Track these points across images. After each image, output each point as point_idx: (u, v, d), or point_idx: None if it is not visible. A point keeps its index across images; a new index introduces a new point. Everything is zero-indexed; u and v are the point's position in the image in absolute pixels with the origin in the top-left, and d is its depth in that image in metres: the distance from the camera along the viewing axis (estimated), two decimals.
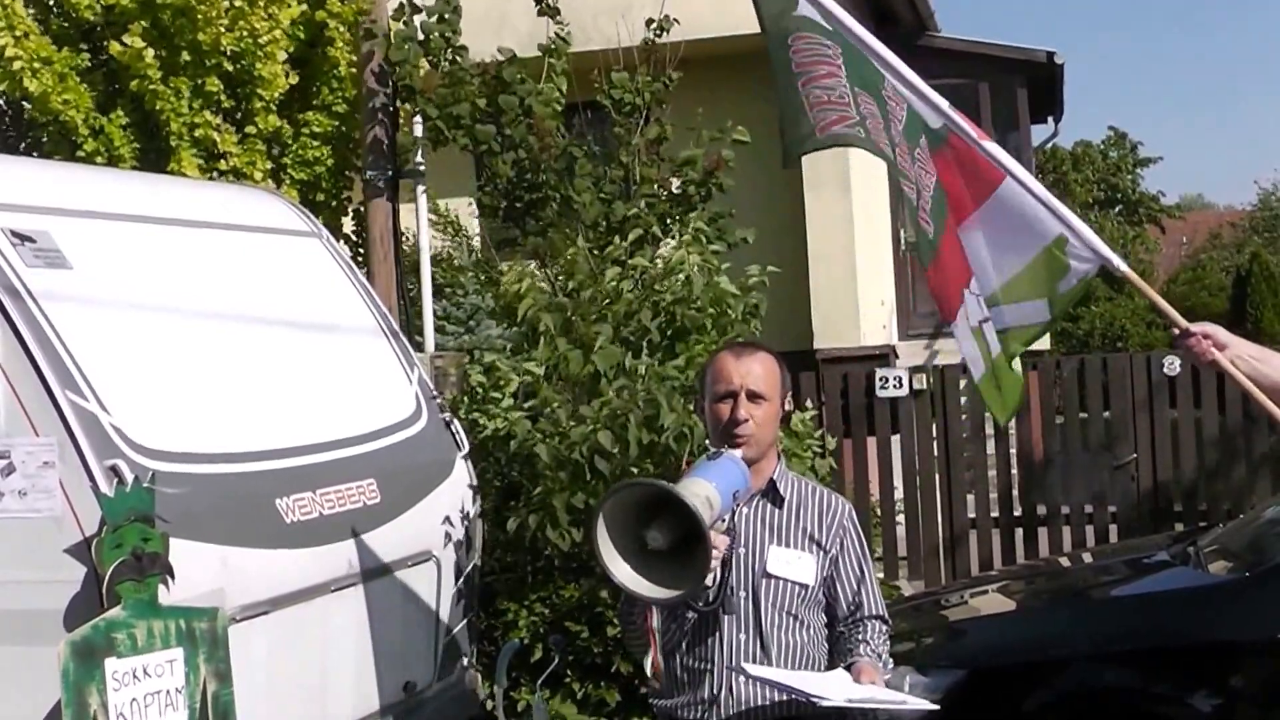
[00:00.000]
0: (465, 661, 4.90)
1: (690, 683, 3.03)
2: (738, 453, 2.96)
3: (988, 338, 3.63)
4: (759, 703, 3.00)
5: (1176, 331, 3.23)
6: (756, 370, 3.06)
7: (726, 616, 3.00)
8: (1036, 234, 3.43)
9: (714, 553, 2.77)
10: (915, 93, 3.57)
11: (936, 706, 3.00)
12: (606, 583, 2.83)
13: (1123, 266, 3.50)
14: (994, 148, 3.53)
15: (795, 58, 3.70)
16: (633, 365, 5.46)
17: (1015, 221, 3.45)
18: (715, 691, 3.00)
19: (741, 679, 2.99)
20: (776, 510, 3.09)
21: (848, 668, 3.02)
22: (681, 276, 5.72)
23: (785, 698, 2.98)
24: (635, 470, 5.16)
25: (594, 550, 2.74)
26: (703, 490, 2.75)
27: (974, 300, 3.61)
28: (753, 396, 3.03)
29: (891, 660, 3.13)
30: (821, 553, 3.08)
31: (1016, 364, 3.70)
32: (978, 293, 3.59)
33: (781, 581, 3.03)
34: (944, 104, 3.58)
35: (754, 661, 3.00)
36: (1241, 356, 3.19)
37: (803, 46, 3.70)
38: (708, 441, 3.04)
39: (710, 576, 2.87)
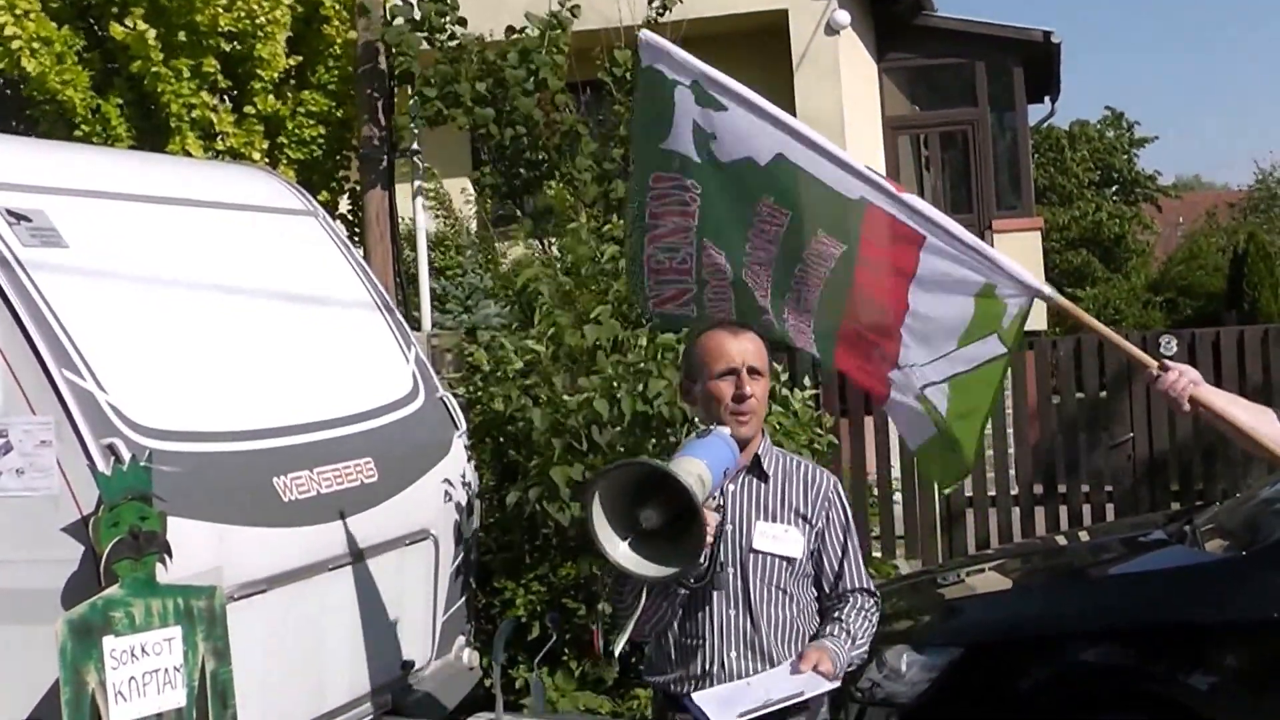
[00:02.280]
0: (463, 640, 4.92)
1: (682, 658, 3.06)
2: (726, 430, 2.98)
3: (932, 400, 3.53)
4: (750, 678, 3.01)
5: (1154, 374, 3.09)
6: (751, 348, 3.09)
7: (716, 592, 3.01)
8: (966, 287, 3.36)
9: (708, 529, 2.79)
10: (832, 163, 3.38)
11: (835, 684, 3.00)
12: (602, 562, 2.85)
13: (1057, 297, 3.40)
14: (913, 201, 3.38)
15: (650, 205, 3.57)
16: (630, 337, 5.44)
17: (944, 280, 3.35)
18: (707, 667, 3.02)
19: (733, 654, 3.02)
20: (762, 485, 3.11)
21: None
22: None
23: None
24: (628, 441, 5.18)
25: (589, 531, 2.75)
26: (695, 468, 2.76)
27: (906, 374, 3.50)
28: (752, 372, 3.06)
29: (862, 637, 3.11)
30: (808, 526, 3.10)
31: (972, 424, 3.51)
32: (914, 362, 3.46)
33: (768, 557, 3.05)
34: (859, 166, 3.41)
35: (744, 637, 3.03)
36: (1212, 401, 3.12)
37: (660, 190, 3.56)
38: (698, 420, 3.04)
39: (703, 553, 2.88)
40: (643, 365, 5.21)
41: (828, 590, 3.14)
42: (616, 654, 3.08)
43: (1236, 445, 3.26)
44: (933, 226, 3.33)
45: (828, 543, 3.12)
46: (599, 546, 2.75)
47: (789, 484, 3.12)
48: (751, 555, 3.05)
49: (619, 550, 2.74)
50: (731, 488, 3.08)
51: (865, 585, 3.17)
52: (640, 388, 5.14)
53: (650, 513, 2.73)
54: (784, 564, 3.05)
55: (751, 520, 3.07)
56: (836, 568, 3.13)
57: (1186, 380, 3.01)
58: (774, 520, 3.08)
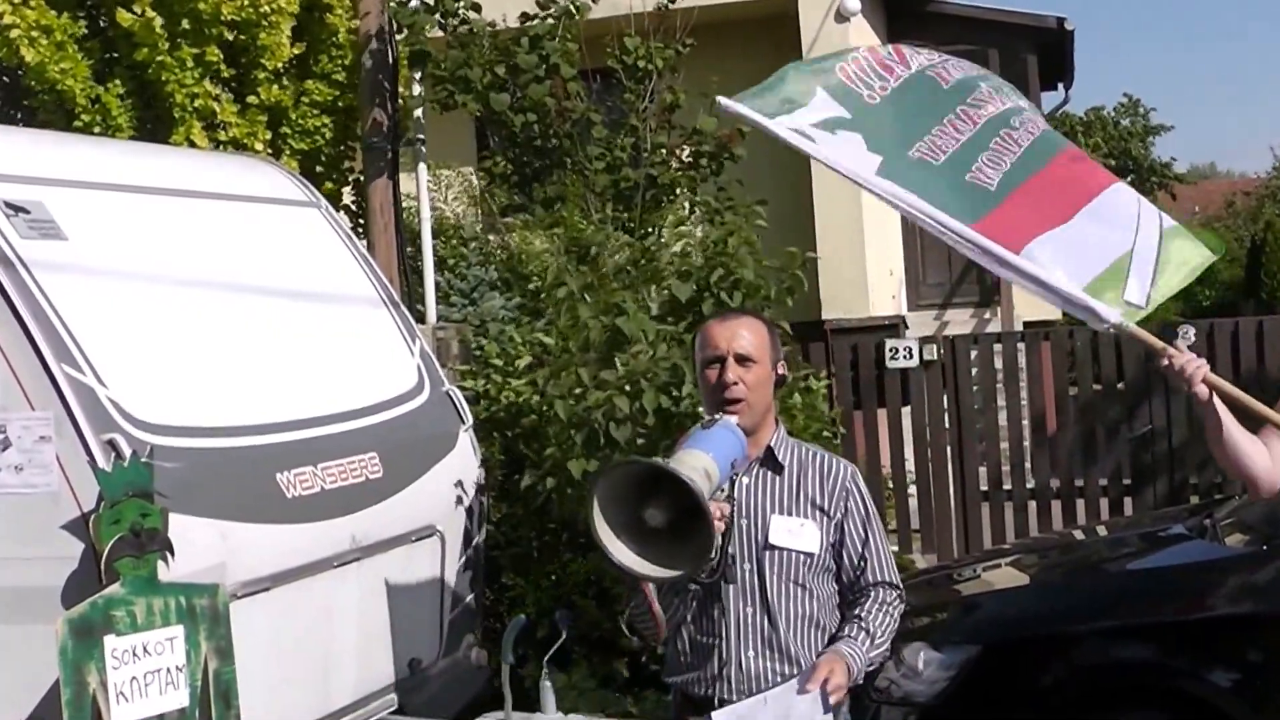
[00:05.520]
0: (471, 638, 4.86)
1: (698, 658, 3.00)
2: (734, 419, 2.92)
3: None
4: (768, 677, 2.96)
5: (1165, 362, 3.09)
6: (743, 333, 3.02)
7: (730, 587, 2.96)
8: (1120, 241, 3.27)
9: (717, 525, 2.73)
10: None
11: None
12: (607, 564, 2.79)
13: (1118, 319, 3.23)
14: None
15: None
16: (659, 331, 5.35)
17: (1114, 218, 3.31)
18: (723, 667, 2.96)
19: (750, 653, 2.95)
20: (776, 478, 3.04)
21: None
22: (701, 251, 5.61)
23: (793, 671, 2.94)
24: (649, 438, 5.10)
25: (591, 532, 2.69)
26: (699, 462, 2.69)
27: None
28: (741, 360, 2.99)
29: (883, 634, 3.04)
30: (825, 518, 3.03)
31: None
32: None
33: (786, 552, 2.99)
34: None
35: (762, 635, 2.96)
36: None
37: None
38: (701, 410, 2.98)
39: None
40: (677, 362, 5.13)
41: (849, 583, 3.06)
42: (659, 650, 3.04)
43: (1256, 430, 3.22)
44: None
45: (847, 534, 3.05)
46: (602, 547, 2.68)
47: (804, 475, 3.05)
48: (768, 551, 2.98)
49: (622, 552, 2.67)
50: (745, 480, 3.01)
51: (888, 578, 3.09)
52: (675, 383, 5.04)
53: (655, 511, 2.67)
54: (802, 559, 2.98)
55: (766, 514, 3.00)
56: (858, 560, 3.05)
57: (1197, 365, 3.05)
58: (790, 514, 3.01)
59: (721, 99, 3.47)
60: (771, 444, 3.06)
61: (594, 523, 2.67)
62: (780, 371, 3.10)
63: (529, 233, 7.47)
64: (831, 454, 3.18)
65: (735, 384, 2.96)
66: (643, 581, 2.81)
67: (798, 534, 3.00)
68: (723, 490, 2.87)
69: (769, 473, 3.04)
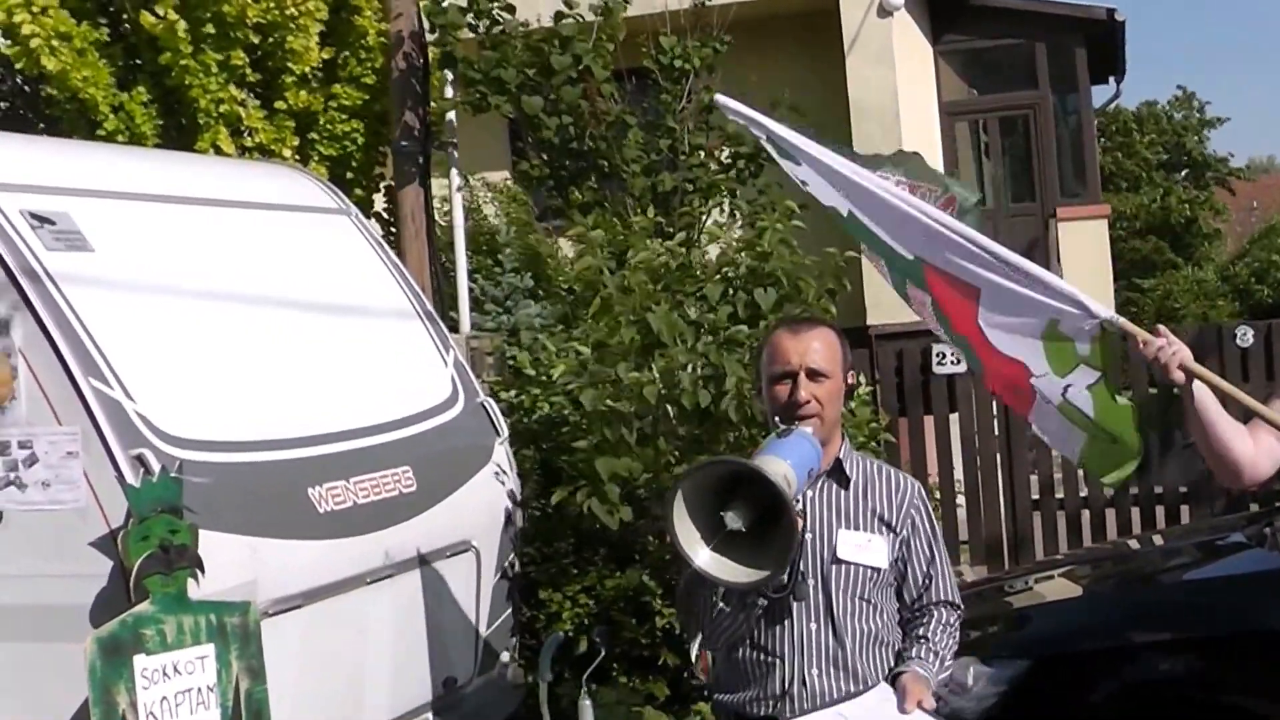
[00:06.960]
0: (507, 655, 4.82)
1: (758, 676, 2.93)
2: (809, 428, 2.86)
3: (1076, 403, 3.39)
4: (833, 696, 2.89)
5: (1142, 344, 3.09)
6: (816, 346, 2.95)
7: (796, 604, 2.89)
8: (1031, 330, 3.29)
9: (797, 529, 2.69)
10: (886, 227, 3.39)
11: None
12: (684, 568, 2.76)
13: (1119, 320, 3.33)
14: (963, 234, 3.31)
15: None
16: (706, 321, 5.23)
17: (1009, 326, 3.33)
18: (787, 685, 2.89)
19: (815, 670, 2.89)
20: (843, 492, 2.99)
21: (894, 681, 2.91)
22: (752, 252, 5.50)
23: (859, 689, 2.88)
24: (687, 437, 5.00)
25: (671, 536, 2.66)
26: (779, 468, 2.65)
27: (1044, 383, 3.39)
28: (813, 375, 2.93)
29: (949, 657, 3.01)
30: (892, 534, 2.99)
31: (1120, 398, 3.44)
32: (1042, 373, 3.36)
33: (853, 566, 2.94)
34: (931, 213, 3.38)
35: (828, 652, 2.90)
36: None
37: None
38: (776, 419, 2.89)
39: None
40: (713, 356, 5.01)
41: (910, 602, 3.02)
42: (694, 660, 2.98)
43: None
44: (988, 263, 3.21)
45: (913, 552, 3.00)
46: (680, 551, 2.65)
47: (872, 490, 3.00)
48: (835, 566, 2.92)
49: (703, 556, 2.63)
50: (810, 493, 2.96)
51: (951, 598, 3.05)
52: (708, 375, 4.92)
53: (735, 514, 2.62)
54: (870, 573, 2.93)
55: (833, 528, 2.95)
56: (923, 579, 3.01)
57: (1174, 349, 3.00)
58: (857, 528, 2.96)
59: (719, 97, 3.55)
60: (840, 456, 3.01)
61: (673, 523, 2.63)
62: (850, 381, 3.06)
63: (565, 238, 7.43)
64: (898, 470, 3.13)
65: (808, 402, 2.90)
66: (724, 588, 2.75)
67: (865, 549, 2.95)
68: (798, 501, 2.81)
69: (835, 486, 3.00)
